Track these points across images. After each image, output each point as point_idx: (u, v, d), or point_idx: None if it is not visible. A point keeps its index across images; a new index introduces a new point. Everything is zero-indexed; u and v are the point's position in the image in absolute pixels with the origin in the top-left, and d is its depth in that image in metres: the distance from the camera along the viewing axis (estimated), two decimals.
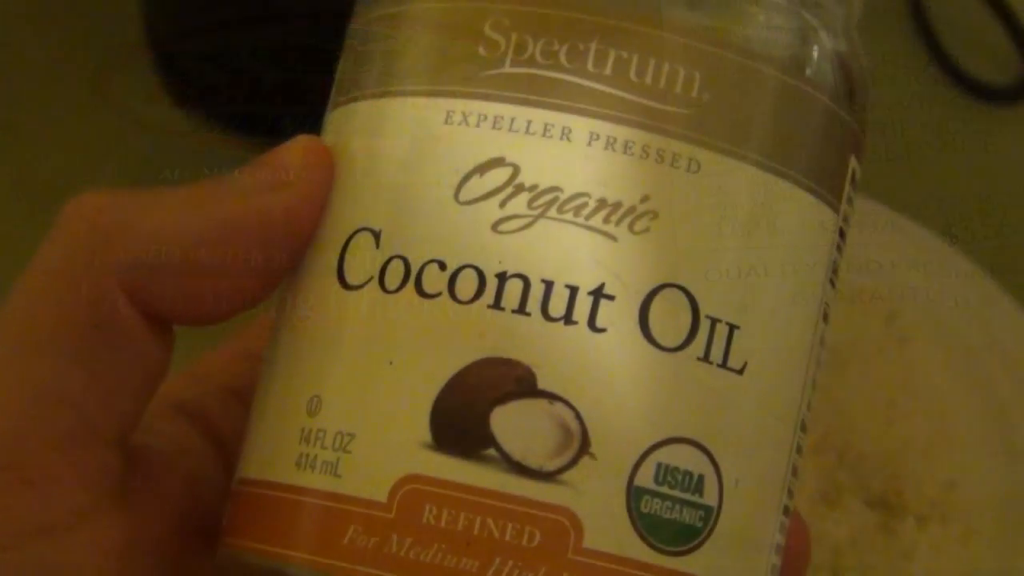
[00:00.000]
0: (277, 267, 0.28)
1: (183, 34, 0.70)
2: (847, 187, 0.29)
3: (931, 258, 0.66)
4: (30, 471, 0.27)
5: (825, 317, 0.29)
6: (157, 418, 0.32)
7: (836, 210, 0.29)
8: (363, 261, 0.27)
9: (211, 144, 0.59)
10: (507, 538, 0.25)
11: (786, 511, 0.29)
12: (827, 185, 0.28)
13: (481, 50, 0.27)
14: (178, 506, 0.30)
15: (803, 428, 0.29)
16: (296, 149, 0.28)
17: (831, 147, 0.28)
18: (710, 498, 0.26)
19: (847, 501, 0.57)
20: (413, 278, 0.26)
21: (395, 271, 0.27)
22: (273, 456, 0.27)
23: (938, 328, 0.64)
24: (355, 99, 0.29)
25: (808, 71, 0.28)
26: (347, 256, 0.27)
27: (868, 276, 0.65)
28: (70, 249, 0.28)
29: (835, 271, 0.29)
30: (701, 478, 0.26)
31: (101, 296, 0.27)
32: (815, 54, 0.28)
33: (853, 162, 0.29)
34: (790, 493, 0.29)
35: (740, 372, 0.27)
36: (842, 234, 0.29)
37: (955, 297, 0.65)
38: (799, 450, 0.29)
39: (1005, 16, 0.79)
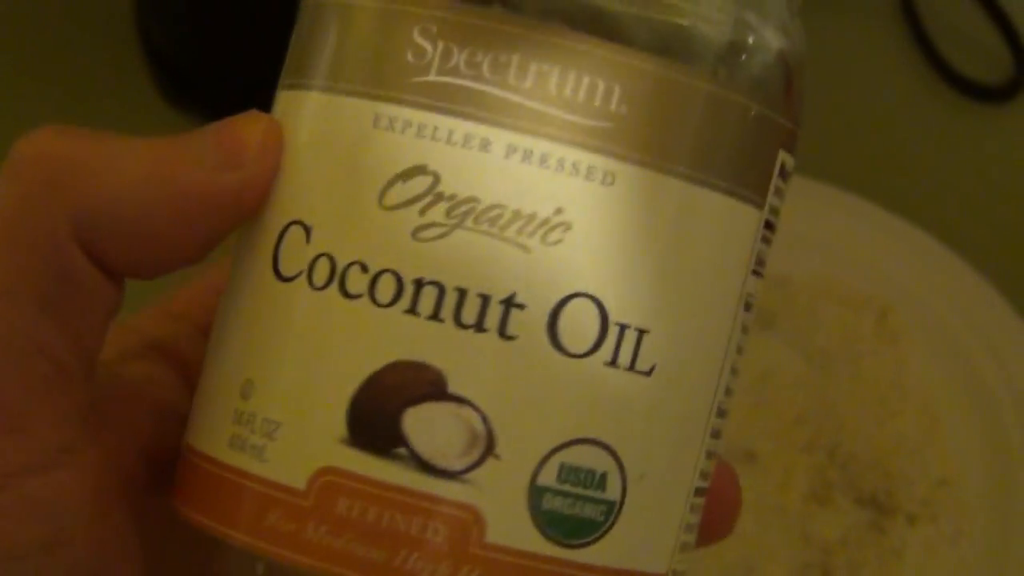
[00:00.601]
0: (218, 238, 0.30)
1: (175, 33, 0.70)
2: (774, 180, 0.30)
3: (922, 257, 0.66)
4: (11, 418, 0.28)
5: (748, 307, 0.30)
6: (131, 354, 0.34)
7: (760, 206, 0.29)
8: (295, 254, 0.28)
9: None
10: (412, 532, 0.27)
11: (698, 492, 0.30)
12: (751, 185, 0.29)
13: (409, 56, 0.28)
14: (146, 434, 0.32)
15: (720, 414, 0.30)
16: (255, 130, 0.29)
17: (757, 148, 0.29)
18: (612, 493, 0.28)
19: (838, 500, 0.58)
20: (338, 278, 0.28)
21: (322, 268, 0.28)
22: (211, 431, 0.29)
23: (929, 327, 0.64)
24: (298, 86, 0.30)
25: (737, 78, 0.29)
26: (282, 247, 0.29)
27: (859, 275, 0.65)
28: (24, 194, 0.29)
29: (760, 262, 0.30)
30: (604, 475, 0.28)
31: (56, 245, 0.28)
32: (748, 58, 0.29)
33: (782, 155, 0.30)
34: (703, 475, 0.30)
35: (648, 374, 0.28)
36: (768, 225, 0.30)
37: (946, 296, 0.65)
38: (716, 434, 0.30)
39: (996, 15, 0.78)
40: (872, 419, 0.61)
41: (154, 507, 0.31)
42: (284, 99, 0.30)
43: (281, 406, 0.28)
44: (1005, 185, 0.75)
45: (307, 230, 0.28)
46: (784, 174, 0.30)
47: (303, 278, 0.28)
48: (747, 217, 0.29)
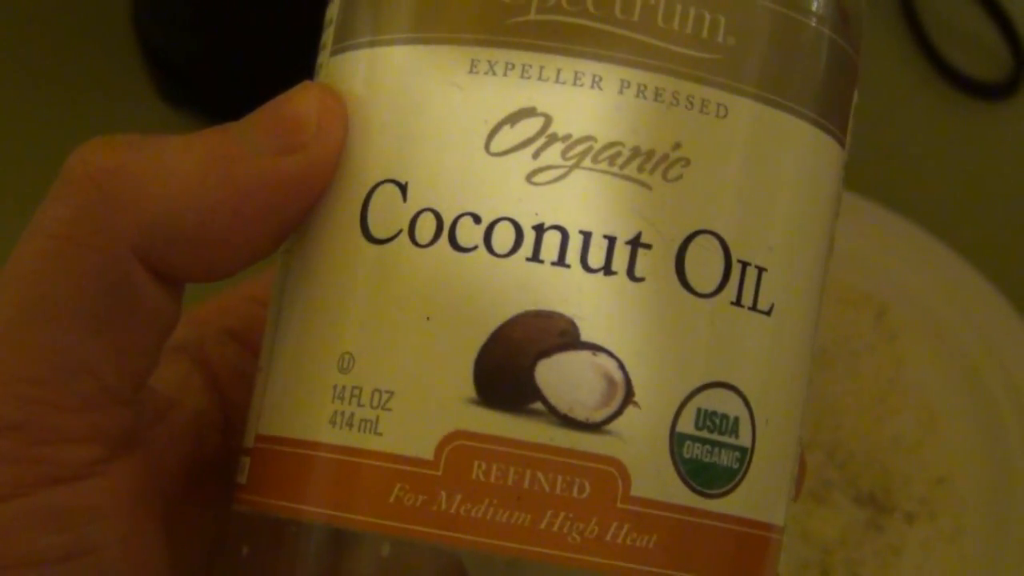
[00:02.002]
0: (289, 226, 0.28)
1: (173, 32, 0.68)
2: (850, 120, 0.30)
3: (921, 254, 0.66)
4: (46, 432, 0.27)
5: (830, 249, 0.30)
6: (161, 360, 0.32)
7: (843, 144, 0.29)
8: (390, 214, 0.27)
9: None
10: (557, 491, 0.25)
11: (799, 442, 0.29)
12: (838, 122, 0.29)
13: None
14: (185, 443, 0.31)
15: (812, 360, 0.29)
16: (310, 102, 0.28)
17: (842, 84, 0.29)
18: (745, 439, 0.27)
19: (836, 498, 0.58)
20: (446, 232, 0.26)
21: (426, 224, 0.26)
22: (303, 413, 0.27)
23: (927, 324, 0.64)
24: (357, 47, 0.28)
25: (821, 10, 0.28)
26: (370, 209, 0.27)
27: (857, 272, 0.65)
28: (79, 213, 0.27)
29: (840, 203, 0.30)
30: (736, 420, 0.27)
31: (114, 263, 0.27)
32: None
33: (856, 96, 0.30)
34: (802, 425, 0.29)
35: (768, 313, 0.27)
36: (845, 165, 0.30)
37: (945, 293, 0.65)
38: (810, 382, 0.29)
39: (995, 12, 0.79)
40: (870, 417, 0.61)
41: (189, 517, 0.30)
42: (338, 64, 0.29)
43: (393, 374, 0.26)
44: (1004, 183, 0.75)
45: (402, 187, 0.27)
46: (853, 115, 0.30)
47: (403, 237, 0.26)
48: (837, 153, 0.29)
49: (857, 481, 0.59)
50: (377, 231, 0.27)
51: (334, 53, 0.29)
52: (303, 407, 0.27)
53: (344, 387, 0.26)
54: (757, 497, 0.27)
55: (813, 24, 0.28)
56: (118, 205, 0.27)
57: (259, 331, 0.30)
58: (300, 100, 0.28)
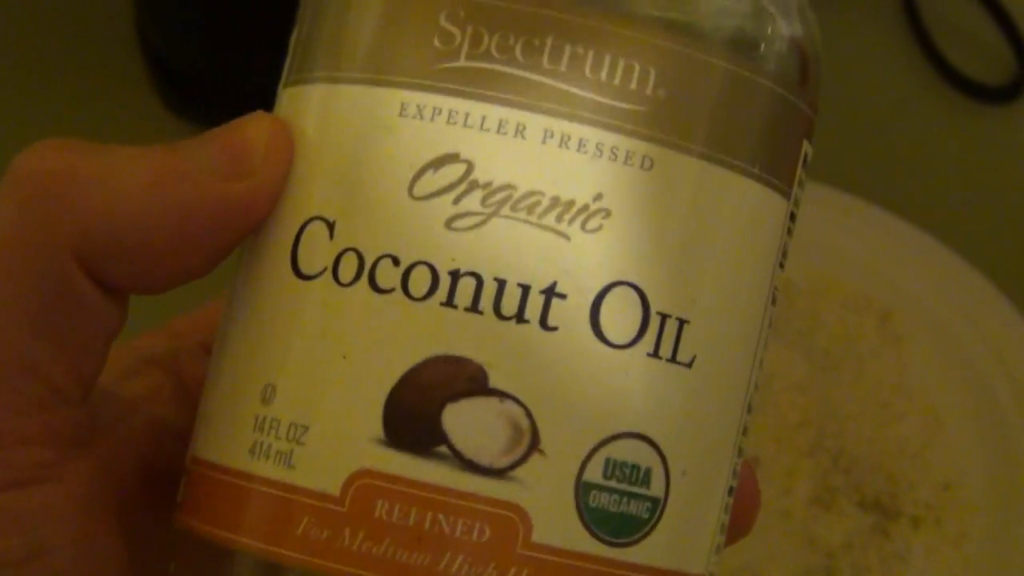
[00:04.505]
0: (226, 251, 0.29)
1: (176, 40, 0.69)
2: (799, 171, 0.29)
3: (925, 258, 0.66)
4: (1, 435, 0.27)
5: (773, 300, 0.30)
6: (130, 371, 0.32)
7: (788, 196, 0.29)
8: (317, 251, 0.27)
9: None
10: (457, 534, 0.26)
11: (730, 491, 0.29)
12: (779, 173, 0.29)
13: (436, 42, 0.27)
14: (141, 449, 0.31)
15: (749, 410, 0.29)
16: (260, 133, 0.28)
17: (784, 135, 0.29)
18: (657, 490, 0.27)
19: (841, 504, 0.58)
20: (367, 272, 0.27)
21: (349, 264, 0.27)
22: (227, 440, 0.28)
23: (932, 328, 0.64)
24: (308, 81, 0.28)
25: (762, 61, 0.28)
26: (301, 244, 0.27)
27: (861, 277, 0.64)
28: (23, 215, 0.27)
29: (784, 254, 0.30)
30: (648, 471, 0.27)
31: (54, 264, 0.27)
32: (770, 43, 0.28)
33: (805, 145, 0.29)
34: (735, 474, 0.29)
35: (689, 365, 0.27)
36: (792, 217, 0.30)
37: (949, 297, 0.65)
38: (745, 431, 0.29)
39: (999, 15, 0.78)
40: (875, 422, 0.61)
41: (146, 523, 0.31)
42: (291, 95, 0.29)
43: (309, 409, 0.27)
44: (1007, 186, 0.75)
45: (330, 225, 0.27)
46: (806, 164, 0.30)
47: (327, 275, 0.27)
48: (777, 206, 0.29)
49: (862, 486, 0.58)
50: (305, 267, 0.27)
51: (286, 85, 0.29)
52: (227, 434, 0.28)
53: (264, 418, 0.27)
54: (671, 546, 0.27)
55: (756, 78, 0.28)
56: (60, 208, 0.27)
57: None
58: (251, 128, 0.28)
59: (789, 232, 0.30)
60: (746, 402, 0.29)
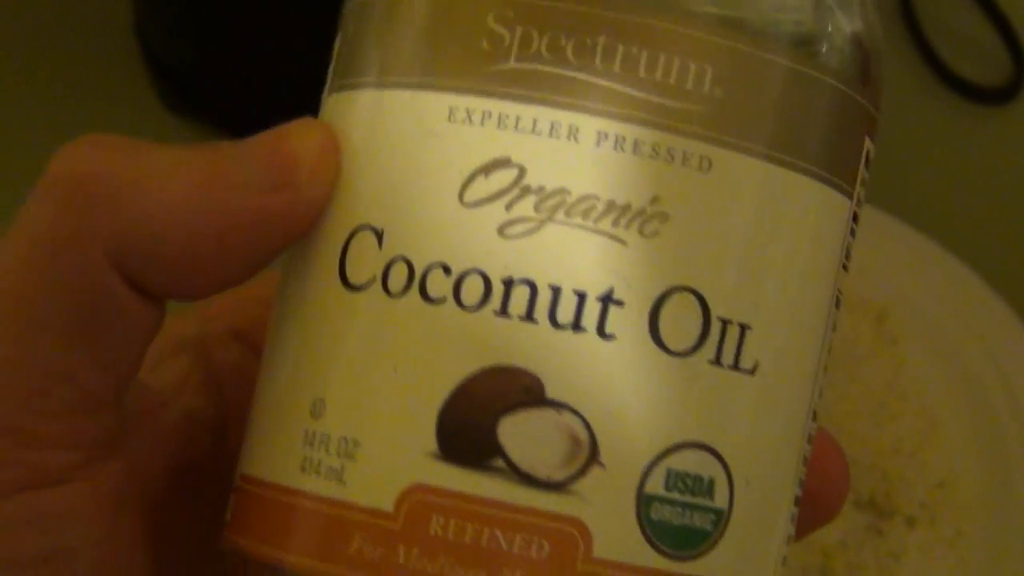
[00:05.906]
0: (267, 260, 0.28)
1: (175, 39, 0.69)
2: (861, 170, 0.28)
3: (921, 259, 0.66)
4: (29, 437, 0.27)
5: (837, 303, 0.29)
6: (160, 357, 0.32)
7: (850, 196, 0.28)
8: (365, 261, 0.26)
9: None
10: (515, 549, 0.25)
11: (796, 501, 0.28)
12: (841, 172, 0.28)
13: (484, 44, 0.26)
14: (170, 447, 0.31)
15: (814, 417, 0.28)
16: (310, 143, 0.27)
17: (846, 133, 0.28)
18: (720, 501, 0.26)
19: None
20: (417, 282, 0.26)
21: (398, 273, 0.26)
22: (277, 457, 0.27)
23: (927, 329, 0.64)
24: (353, 87, 0.28)
25: (822, 58, 0.27)
26: (349, 254, 0.27)
27: (857, 277, 0.64)
28: (59, 213, 0.27)
29: (848, 255, 0.29)
30: (711, 481, 0.26)
31: (90, 268, 0.27)
32: (830, 39, 0.27)
33: (867, 143, 0.28)
34: (800, 483, 0.28)
35: (752, 372, 0.26)
36: (855, 217, 0.29)
37: (945, 298, 0.65)
38: (809, 439, 0.28)
39: (995, 17, 0.78)
40: (870, 422, 0.60)
41: (176, 521, 0.30)
42: (336, 101, 0.28)
43: (360, 423, 0.26)
44: (1004, 187, 0.74)
45: (378, 234, 0.26)
46: (868, 162, 0.29)
47: (376, 285, 0.26)
48: (840, 206, 0.28)
49: (857, 485, 0.58)
50: (353, 277, 0.27)
51: (331, 91, 0.29)
52: (276, 450, 0.27)
53: (315, 433, 0.26)
54: (736, 558, 0.27)
55: (817, 75, 0.27)
56: (99, 212, 0.27)
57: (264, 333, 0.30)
58: (299, 138, 0.28)
59: (852, 233, 0.29)
60: (811, 409, 0.28)
